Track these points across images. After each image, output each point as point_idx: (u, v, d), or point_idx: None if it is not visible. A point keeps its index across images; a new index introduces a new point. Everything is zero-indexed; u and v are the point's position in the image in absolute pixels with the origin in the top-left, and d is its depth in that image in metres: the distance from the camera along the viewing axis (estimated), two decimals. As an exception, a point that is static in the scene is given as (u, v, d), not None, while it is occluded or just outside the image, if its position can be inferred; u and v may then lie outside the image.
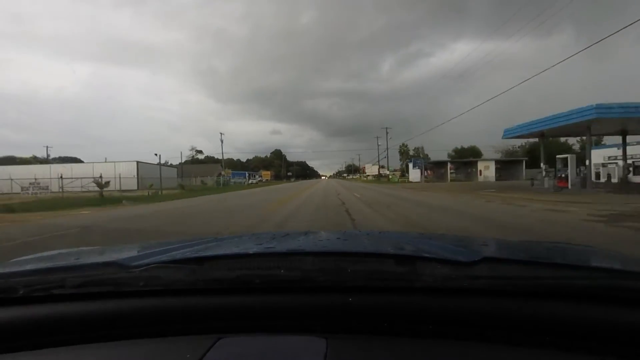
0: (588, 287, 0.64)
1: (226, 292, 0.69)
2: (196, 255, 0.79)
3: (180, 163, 56.02)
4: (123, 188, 28.42)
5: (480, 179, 41.07)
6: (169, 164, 57.79)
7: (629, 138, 19.32)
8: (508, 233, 6.00)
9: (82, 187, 27.33)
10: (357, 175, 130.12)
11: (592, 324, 0.59)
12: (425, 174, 43.86)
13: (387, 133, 53.84)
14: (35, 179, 25.09)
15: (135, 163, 37.45)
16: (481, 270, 0.67)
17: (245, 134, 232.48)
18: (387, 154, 53.01)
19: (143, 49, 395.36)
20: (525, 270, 0.70)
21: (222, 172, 47.85)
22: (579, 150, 39.83)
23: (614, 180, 19.94)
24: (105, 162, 38.93)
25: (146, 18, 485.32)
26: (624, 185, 16.11)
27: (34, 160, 55.95)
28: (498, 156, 55.02)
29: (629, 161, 19.99)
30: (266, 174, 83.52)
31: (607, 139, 31.44)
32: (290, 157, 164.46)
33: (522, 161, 43.87)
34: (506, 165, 43.86)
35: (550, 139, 27.42)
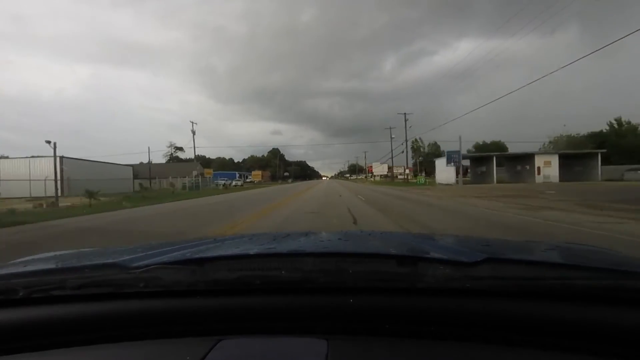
0: (590, 287, 0.63)
1: (227, 293, 0.68)
2: (196, 256, 0.78)
3: (149, 162, 45.18)
4: (39, 194, 19.64)
5: (539, 179, 30.67)
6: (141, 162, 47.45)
7: None
8: None
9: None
10: (362, 176, 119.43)
11: (595, 325, 0.59)
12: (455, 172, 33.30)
13: (405, 120, 42.44)
14: None
15: (60, 159, 26.96)
16: (483, 270, 0.66)
17: (246, 134, 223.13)
18: (407, 147, 41.97)
19: (142, 49, 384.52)
20: (528, 271, 0.69)
21: (196, 172, 37.30)
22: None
23: None
24: (18, 158, 28.55)
25: (146, 17, 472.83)
26: None
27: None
28: (549, 149, 43.36)
29: None
30: (257, 175, 72.45)
31: None
32: (291, 158, 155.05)
33: (595, 155, 31.86)
34: (570, 161, 32.50)
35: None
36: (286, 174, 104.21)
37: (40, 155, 27.47)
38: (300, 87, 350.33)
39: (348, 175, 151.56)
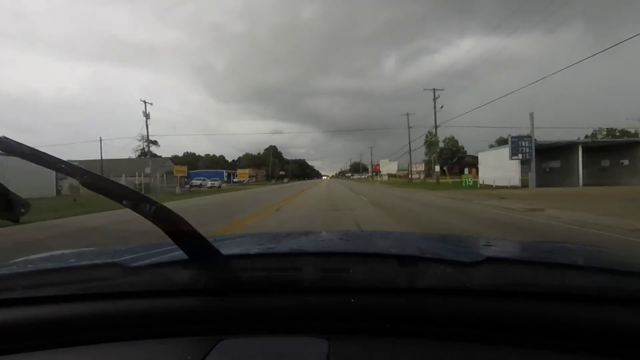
0: (591, 287, 0.64)
1: (227, 293, 0.68)
2: None
3: (101, 157, 35.92)
4: None
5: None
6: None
7: None
8: None
9: None
10: (365, 175, 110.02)
11: (595, 325, 0.59)
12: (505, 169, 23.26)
13: (435, 96, 31.44)
14: None
15: None
16: (484, 270, 0.66)
17: (246, 133, 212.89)
18: (435, 132, 32.39)
19: (143, 47, 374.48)
20: (530, 271, 0.70)
21: (149, 169, 28.31)
22: None
23: None
24: None
25: (146, 15, 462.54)
26: None
27: None
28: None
29: None
30: (243, 174, 62.60)
31: None
32: (292, 157, 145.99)
33: None
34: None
35: None
36: (281, 172, 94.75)
37: None
38: (302, 86, 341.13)
39: (349, 174, 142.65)
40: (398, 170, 62.49)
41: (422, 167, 57.30)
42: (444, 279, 0.65)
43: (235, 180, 61.31)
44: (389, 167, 65.16)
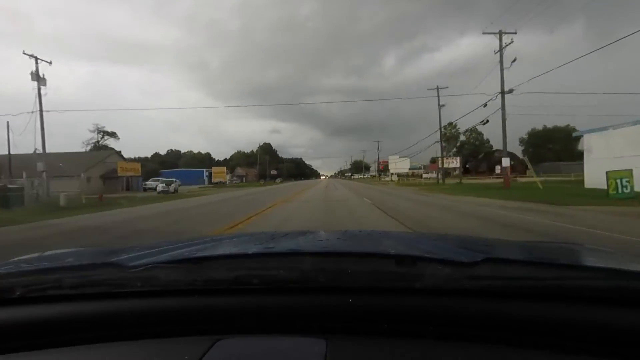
0: (590, 287, 0.63)
1: (225, 293, 0.68)
2: (194, 255, 0.78)
3: (9, 152, 25.38)
4: None
5: None
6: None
7: None
8: None
9: None
10: (368, 175, 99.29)
11: (594, 325, 0.58)
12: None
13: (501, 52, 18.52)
14: None
15: None
16: (483, 270, 0.66)
17: (245, 133, 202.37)
18: (503, 115, 20.75)
19: (141, 46, 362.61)
20: (527, 271, 0.69)
21: (41, 166, 17.94)
22: None
23: None
24: None
25: (145, 14, 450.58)
26: None
27: None
28: None
29: None
30: (219, 173, 50.21)
31: None
32: (290, 157, 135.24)
33: None
34: None
35: None
36: (273, 172, 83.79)
37: None
38: (300, 86, 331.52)
39: (349, 174, 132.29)
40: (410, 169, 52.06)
41: (456, 163, 44.97)
42: (442, 279, 0.64)
43: (216, 181, 50.82)
44: (398, 165, 54.42)
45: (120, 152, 38.36)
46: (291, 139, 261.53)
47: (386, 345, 0.58)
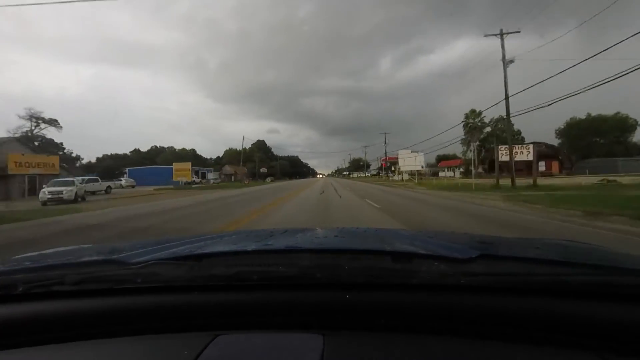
0: (584, 283, 0.64)
1: (224, 289, 0.69)
2: (195, 252, 0.79)
3: None
4: None
5: None
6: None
7: None
8: None
9: None
10: (368, 174, 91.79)
11: (587, 320, 0.59)
12: None
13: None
14: None
15: None
16: (478, 267, 0.67)
17: (245, 132, 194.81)
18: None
19: (143, 50, 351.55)
20: (522, 267, 0.70)
21: None
22: None
23: None
24: None
25: (146, 16, 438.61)
26: None
27: None
28: None
29: None
30: (181, 170, 38.88)
31: None
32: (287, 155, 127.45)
33: None
34: None
35: None
36: (263, 170, 75.79)
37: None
38: (297, 86, 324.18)
39: (347, 172, 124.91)
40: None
41: (528, 154, 29.21)
42: (438, 275, 0.65)
43: (203, 180, 42.86)
44: (407, 162, 46.50)
45: (62, 144, 29.60)
46: (290, 138, 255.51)
47: (383, 340, 0.59)
